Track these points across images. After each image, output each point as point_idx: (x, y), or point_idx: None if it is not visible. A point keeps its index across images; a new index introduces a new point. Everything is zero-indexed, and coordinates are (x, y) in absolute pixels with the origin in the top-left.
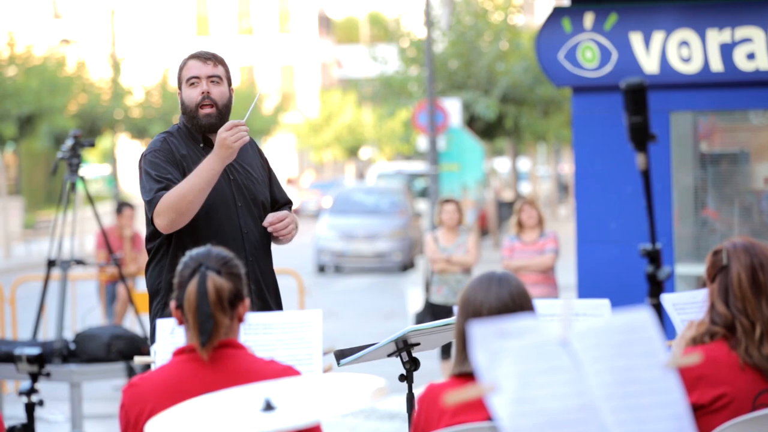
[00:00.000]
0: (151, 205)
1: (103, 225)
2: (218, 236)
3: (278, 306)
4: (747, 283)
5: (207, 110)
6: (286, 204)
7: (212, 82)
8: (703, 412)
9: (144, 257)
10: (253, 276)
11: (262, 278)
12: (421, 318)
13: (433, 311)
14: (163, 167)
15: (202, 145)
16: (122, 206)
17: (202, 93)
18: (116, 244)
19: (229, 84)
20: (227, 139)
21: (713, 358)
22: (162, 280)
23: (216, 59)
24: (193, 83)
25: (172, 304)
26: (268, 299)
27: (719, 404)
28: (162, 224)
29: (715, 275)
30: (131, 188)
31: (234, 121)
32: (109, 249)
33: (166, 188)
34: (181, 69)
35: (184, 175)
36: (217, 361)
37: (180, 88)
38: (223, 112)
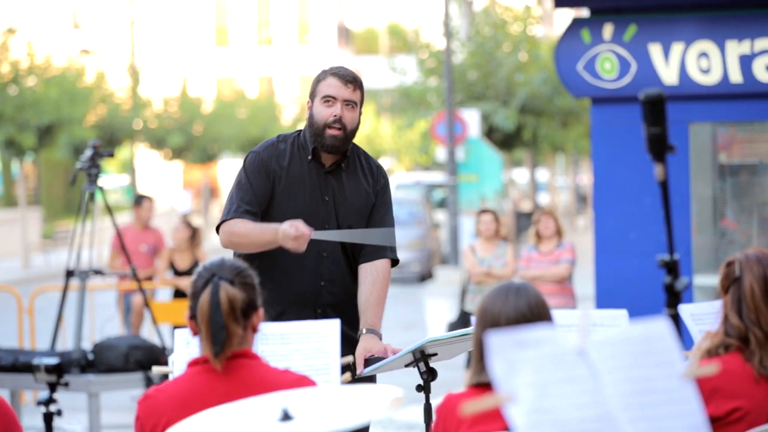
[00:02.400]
0: (223, 222)
1: (118, 227)
2: (296, 255)
3: (351, 331)
4: (760, 294)
5: (334, 132)
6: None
7: (347, 105)
8: (719, 424)
9: (161, 265)
10: (323, 300)
11: (337, 303)
12: (455, 327)
13: (466, 320)
14: (250, 191)
15: (310, 157)
16: (141, 198)
17: (335, 116)
18: (133, 242)
19: (361, 107)
20: (288, 243)
21: (728, 371)
22: None
23: (356, 83)
24: (328, 102)
25: (186, 314)
26: (344, 328)
27: (734, 417)
28: (221, 242)
29: (729, 287)
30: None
31: (305, 231)
32: (128, 258)
33: (244, 212)
34: (318, 81)
35: (273, 187)
36: (231, 372)
37: (312, 99)
38: (349, 137)
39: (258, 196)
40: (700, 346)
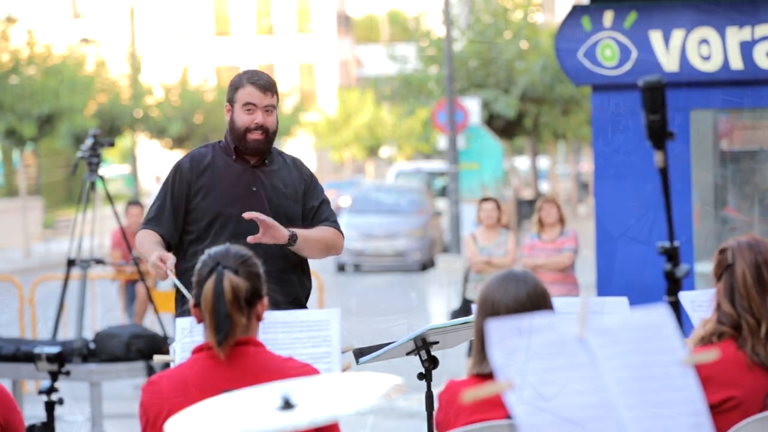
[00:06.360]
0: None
1: (122, 224)
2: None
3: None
4: (752, 281)
5: (257, 135)
6: (324, 222)
7: (266, 111)
8: (713, 413)
9: None
10: None
11: (278, 289)
12: (457, 315)
13: (468, 308)
14: (162, 201)
15: (234, 157)
16: (130, 205)
17: (256, 123)
18: (132, 242)
19: (277, 108)
20: (152, 270)
21: (721, 359)
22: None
23: (272, 90)
24: (249, 110)
25: (191, 302)
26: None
27: (729, 405)
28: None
29: (721, 274)
30: (151, 187)
31: (162, 264)
32: (128, 248)
33: (150, 224)
34: (236, 88)
35: (190, 190)
36: (234, 359)
37: (231, 104)
38: (271, 139)
39: (172, 206)
40: (695, 334)
